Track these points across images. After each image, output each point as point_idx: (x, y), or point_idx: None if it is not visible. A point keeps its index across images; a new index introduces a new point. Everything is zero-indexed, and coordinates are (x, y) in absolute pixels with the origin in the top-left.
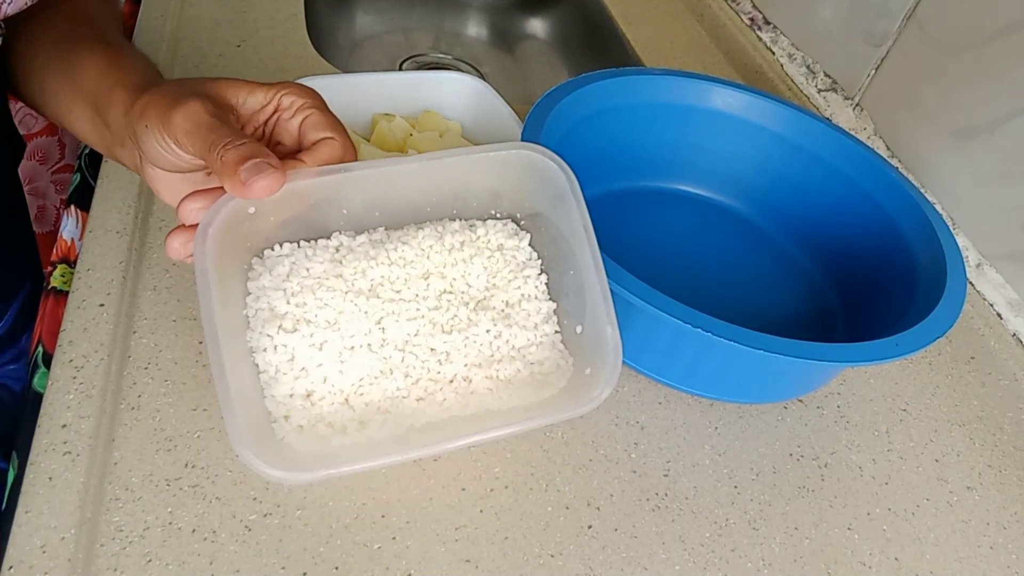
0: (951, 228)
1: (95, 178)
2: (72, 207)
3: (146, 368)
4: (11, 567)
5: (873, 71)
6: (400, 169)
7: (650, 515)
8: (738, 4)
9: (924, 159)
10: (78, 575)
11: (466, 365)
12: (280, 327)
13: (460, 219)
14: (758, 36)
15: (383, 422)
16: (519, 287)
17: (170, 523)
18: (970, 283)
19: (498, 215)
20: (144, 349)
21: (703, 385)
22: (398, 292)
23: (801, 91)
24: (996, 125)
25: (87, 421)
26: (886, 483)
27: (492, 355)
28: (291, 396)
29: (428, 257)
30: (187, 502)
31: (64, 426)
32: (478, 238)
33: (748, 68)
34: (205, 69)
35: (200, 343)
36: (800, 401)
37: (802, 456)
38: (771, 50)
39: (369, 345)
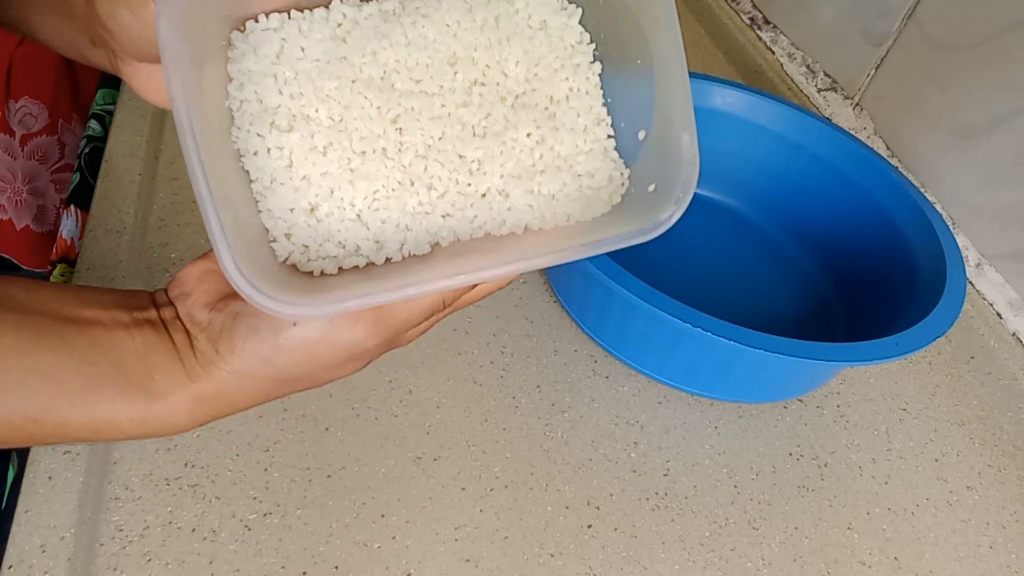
0: (951, 228)
1: (95, 177)
2: (72, 206)
3: None
4: (11, 566)
5: (873, 71)
6: None
7: (650, 515)
8: (738, 3)
9: (924, 159)
10: (78, 574)
11: (502, 177)
12: (273, 124)
13: None
14: (758, 35)
15: (404, 241)
16: (566, 78)
17: (170, 522)
18: (970, 283)
19: None
20: None
21: (703, 385)
22: (418, 82)
23: (801, 91)
24: (996, 125)
25: None
26: (886, 483)
27: (533, 165)
28: (292, 210)
29: (455, 35)
30: (187, 501)
31: None
32: (516, 12)
33: (748, 68)
34: None
35: None
36: (800, 401)
37: (802, 456)
38: (771, 50)
39: (384, 150)
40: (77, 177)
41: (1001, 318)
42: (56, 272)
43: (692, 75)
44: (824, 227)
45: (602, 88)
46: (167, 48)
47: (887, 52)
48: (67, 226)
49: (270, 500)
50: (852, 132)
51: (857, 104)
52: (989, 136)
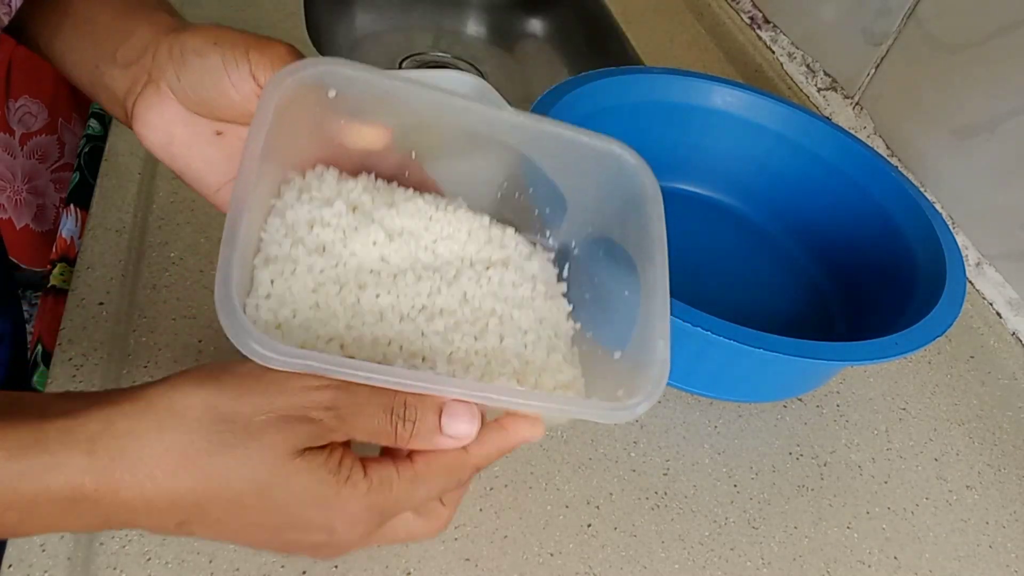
0: (951, 228)
1: (94, 177)
2: (71, 206)
3: (145, 367)
4: (11, 565)
5: (873, 70)
6: (502, 118)
7: (649, 514)
8: (738, 3)
9: (924, 159)
10: (77, 573)
11: (467, 352)
12: (300, 241)
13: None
14: (758, 35)
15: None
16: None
17: None
18: (970, 282)
19: (551, 239)
20: (143, 347)
21: (703, 384)
22: (420, 269)
23: (801, 90)
24: (996, 125)
25: None
26: (885, 482)
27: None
28: (276, 326)
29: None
30: None
31: None
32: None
33: (748, 67)
34: None
35: (199, 342)
36: (799, 400)
37: (801, 455)
38: (771, 49)
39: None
40: (77, 176)
41: (1001, 318)
42: (56, 271)
43: (692, 75)
44: (824, 227)
45: (580, 323)
46: (260, 116)
47: (887, 52)
48: (67, 225)
49: None
50: (852, 132)
51: (857, 104)
52: (989, 136)
